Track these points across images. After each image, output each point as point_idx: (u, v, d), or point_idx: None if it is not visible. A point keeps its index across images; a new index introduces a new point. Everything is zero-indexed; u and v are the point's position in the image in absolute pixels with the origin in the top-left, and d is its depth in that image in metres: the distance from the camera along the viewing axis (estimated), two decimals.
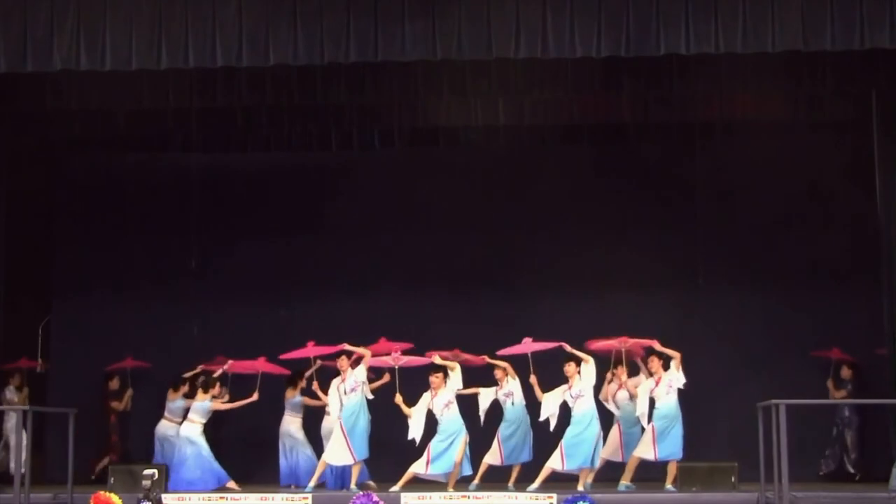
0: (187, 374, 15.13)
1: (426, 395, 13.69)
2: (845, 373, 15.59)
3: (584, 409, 13.54)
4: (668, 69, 14.03)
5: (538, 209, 16.54)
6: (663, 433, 13.59)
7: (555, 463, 13.53)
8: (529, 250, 16.48)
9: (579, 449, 13.45)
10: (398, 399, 13.65)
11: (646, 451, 13.66)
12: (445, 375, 13.69)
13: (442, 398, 13.60)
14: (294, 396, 14.91)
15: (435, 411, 13.63)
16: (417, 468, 13.52)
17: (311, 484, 13.83)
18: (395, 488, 13.31)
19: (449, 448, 13.48)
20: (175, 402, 15.03)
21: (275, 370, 14.86)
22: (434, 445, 13.52)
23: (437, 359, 13.86)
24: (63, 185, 17.03)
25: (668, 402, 13.65)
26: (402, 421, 13.88)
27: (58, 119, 15.39)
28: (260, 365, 14.87)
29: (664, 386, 13.69)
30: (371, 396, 14.01)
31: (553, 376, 13.88)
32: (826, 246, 16.09)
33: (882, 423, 14.70)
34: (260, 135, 16.40)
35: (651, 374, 13.90)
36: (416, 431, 13.55)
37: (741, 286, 16.14)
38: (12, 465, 15.11)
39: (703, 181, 16.48)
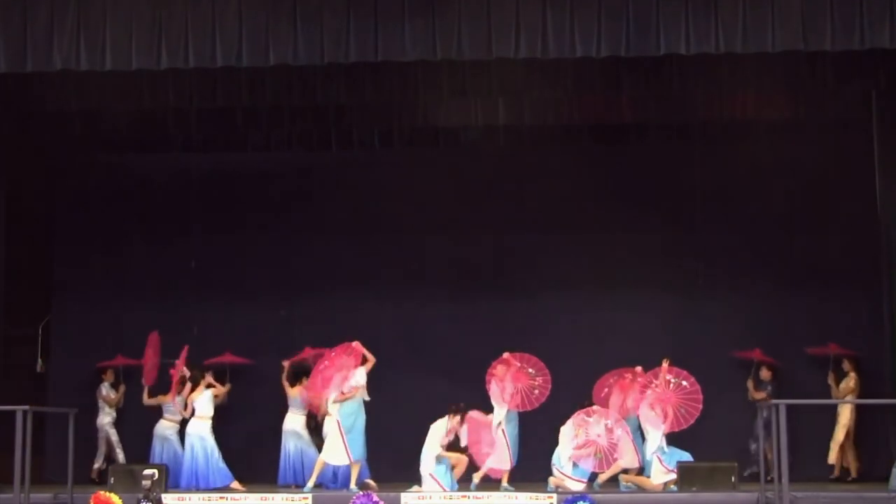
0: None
1: None
2: (765, 374, 15.48)
3: None
4: (668, 69, 14.03)
5: (538, 209, 16.52)
6: (672, 459, 13.70)
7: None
8: (529, 250, 16.45)
9: None
10: None
11: (665, 477, 13.67)
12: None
13: None
14: (297, 393, 14.89)
15: None
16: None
17: (310, 484, 13.82)
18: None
19: None
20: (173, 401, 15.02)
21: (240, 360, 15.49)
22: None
23: None
24: (63, 185, 17.02)
25: (656, 435, 13.77)
26: (402, 421, 13.88)
27: (58, 119, 15.39)
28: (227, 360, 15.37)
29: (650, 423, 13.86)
30: (367, 398, 14.01)
31: (559, 375, 13.97)
32: (826, 246, 16.07)
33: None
34: (260, 135, 16.38)
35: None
36: None
37: (741, 286, 16.13)
38: (120, 456, 15.14)
39: (703, 181, 16.46)
